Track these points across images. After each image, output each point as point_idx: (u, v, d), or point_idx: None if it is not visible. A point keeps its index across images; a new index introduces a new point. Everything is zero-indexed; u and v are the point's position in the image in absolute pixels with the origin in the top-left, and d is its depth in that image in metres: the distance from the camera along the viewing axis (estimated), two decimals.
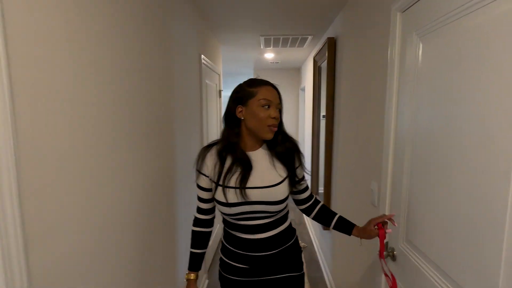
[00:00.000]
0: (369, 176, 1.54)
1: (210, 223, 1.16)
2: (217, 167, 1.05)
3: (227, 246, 1.12)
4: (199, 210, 1.14)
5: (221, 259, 1.16)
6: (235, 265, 1.10)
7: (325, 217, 1.16)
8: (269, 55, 3.94)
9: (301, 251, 1.20)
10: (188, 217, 1.96)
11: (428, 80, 1.01)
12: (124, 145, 1.08)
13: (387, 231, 1.07)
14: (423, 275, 1.02)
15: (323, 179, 2.68)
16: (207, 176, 1.07)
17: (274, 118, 1.02)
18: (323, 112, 2.82)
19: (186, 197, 1.92)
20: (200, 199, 1.13)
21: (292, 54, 3.91)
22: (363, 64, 1.68)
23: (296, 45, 3.32)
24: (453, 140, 0.87)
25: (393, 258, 1.25)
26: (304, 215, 2.04)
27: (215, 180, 1.05)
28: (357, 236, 1.11)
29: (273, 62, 4.54)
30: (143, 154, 1.27)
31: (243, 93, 1.04)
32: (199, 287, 2.21)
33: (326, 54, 2.37)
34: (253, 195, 1.01)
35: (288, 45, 3.33)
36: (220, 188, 1.03)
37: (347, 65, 2.02)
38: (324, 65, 2.85)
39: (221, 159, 1.05)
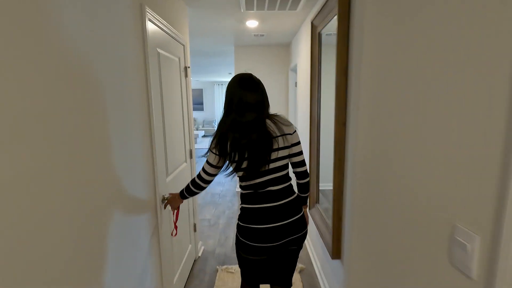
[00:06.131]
0: (449, 215, 0.81)
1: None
2: None
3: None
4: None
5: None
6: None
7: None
8: (252, 23, 3.11)
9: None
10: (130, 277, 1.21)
11: None
12: None
13: None
14: None
15: (332, 191, 1.74)
16: None
17: None
18: (327, 94, 2.08)
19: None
20: None
21: (281, 22, 3.10)
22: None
23: (288, 7, 2.52)
24: None
25: None
26: None
27: None
28: None
29: (258, 35, 3.71)
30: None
31: None
32: None
33: (336, 10, 1.60)
34: None
35: (277, 7, 2.53)
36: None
37: (377, 20, 1.25)
38: (326, 30, 2.09)
39: None
